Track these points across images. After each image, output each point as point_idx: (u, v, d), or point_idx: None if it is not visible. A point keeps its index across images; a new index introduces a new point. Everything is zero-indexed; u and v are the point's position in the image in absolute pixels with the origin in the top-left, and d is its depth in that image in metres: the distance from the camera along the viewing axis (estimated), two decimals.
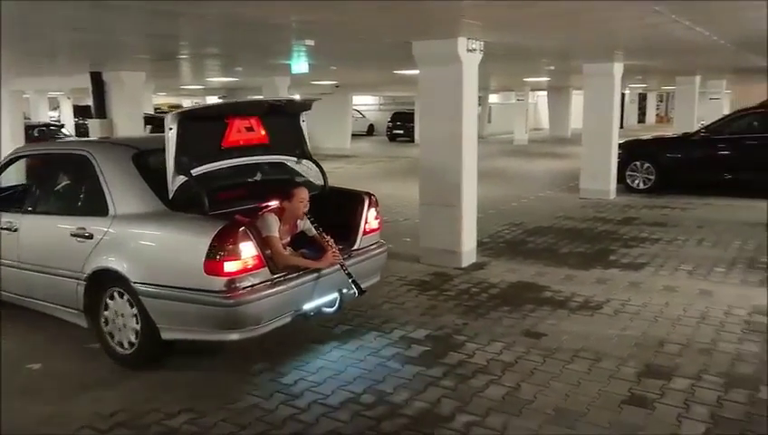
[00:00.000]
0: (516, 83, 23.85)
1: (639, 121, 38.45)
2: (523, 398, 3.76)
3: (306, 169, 5.14)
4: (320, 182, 4.98)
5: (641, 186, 11.73)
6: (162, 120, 4.12)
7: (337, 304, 4.54)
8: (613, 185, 11.23)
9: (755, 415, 3.53)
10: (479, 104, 30.11)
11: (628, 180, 11.80)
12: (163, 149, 4.08)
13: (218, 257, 3.74)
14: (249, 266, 3.84)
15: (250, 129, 4.49)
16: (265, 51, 8.88)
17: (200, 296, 3.80)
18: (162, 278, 3.95)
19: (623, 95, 33.70)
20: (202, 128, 4.25)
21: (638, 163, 11.79)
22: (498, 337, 4.73)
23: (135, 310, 4.11)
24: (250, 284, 3.85)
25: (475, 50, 6.60)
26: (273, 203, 4.45)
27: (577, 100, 24.81)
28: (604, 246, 7.61)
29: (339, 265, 4.35)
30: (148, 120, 12.39)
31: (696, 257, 6.97)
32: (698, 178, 11.42)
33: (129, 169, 4.42)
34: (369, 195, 4.90)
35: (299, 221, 4.48)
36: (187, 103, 27.42)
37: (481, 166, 7.17)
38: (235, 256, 3.78)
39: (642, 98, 39.51)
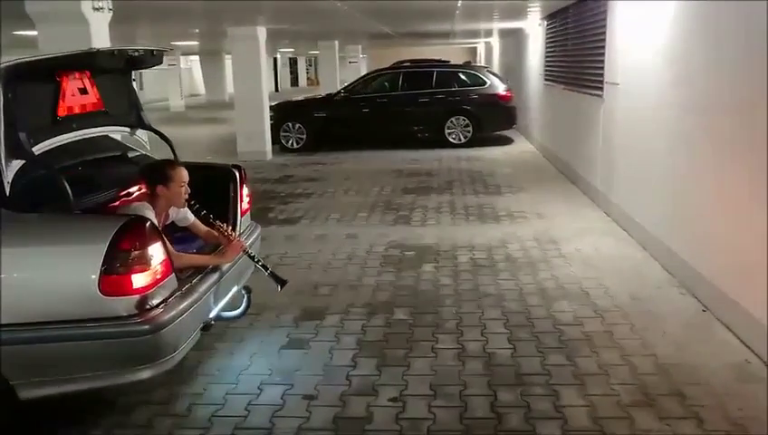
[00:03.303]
0: (165, 47, 22.92)
1: (293, 85, 40.60)
2: (187, 365, 3.71)
3: (141, 142, 4.08)
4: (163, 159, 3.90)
5: (295, 145, 12.43)
6: None
7: (244, 304, 3.97)
8: (269, 146, 11.65)
9: (391, 334, 4.09)
10: None
11: (283, 141, 12.39)
12: None
13: (122, 270, 2.72)
14: (159, 276, 2.87)
15: (84, 90, 3.40)
16: None
17: (96, 329, 2.72)
18: (20, 314, 2.69)
19: (275, 60, 35.11)
20: (33, 90, 3.08)
21: (290, 124, 12.43)
22: None
23: None
24: (162, 299, 2.88)
25: (102, 9, 6.07)
26: (135, 189, 3.54)
27: (230, 64, 25.04)
28: (263, 204, 7.89)
29: (249, 257, 3.70)
30: None
31: (344, 206, 7.70)
32: (342, 134, 12.56)
33: None
34: (239, 168, 4.09)
35: (172, 210, 3.57)
36: None
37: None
38: (145, 263, 2.78)
39: (293, 62, 41.69)
